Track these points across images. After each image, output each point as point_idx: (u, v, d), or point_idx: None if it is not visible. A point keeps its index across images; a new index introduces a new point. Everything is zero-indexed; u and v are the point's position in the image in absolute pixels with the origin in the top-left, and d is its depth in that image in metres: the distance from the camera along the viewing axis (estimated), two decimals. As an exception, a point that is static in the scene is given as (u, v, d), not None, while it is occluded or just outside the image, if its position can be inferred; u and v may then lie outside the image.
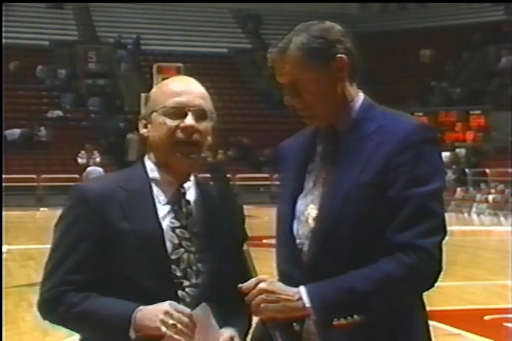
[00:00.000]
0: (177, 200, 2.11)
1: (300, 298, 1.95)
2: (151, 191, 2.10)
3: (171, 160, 2.09)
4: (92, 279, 2.03)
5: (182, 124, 2.06)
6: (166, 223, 2.08)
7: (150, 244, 2.04)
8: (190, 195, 2.14)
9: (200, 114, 2.09)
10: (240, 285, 1.97)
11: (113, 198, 2.06)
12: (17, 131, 27.28)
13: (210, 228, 2.11)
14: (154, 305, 1.96)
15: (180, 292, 2.05)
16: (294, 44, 2.05)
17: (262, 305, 1.94)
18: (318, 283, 1.97)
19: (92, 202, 2.05)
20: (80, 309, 2.00)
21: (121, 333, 1.96)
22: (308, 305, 1.94)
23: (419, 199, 1.98)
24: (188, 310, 1.96)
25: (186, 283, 2.06)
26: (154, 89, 2.16)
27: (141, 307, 1.96)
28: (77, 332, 2.13)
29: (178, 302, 2.01)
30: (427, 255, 1.96)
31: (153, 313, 1.94)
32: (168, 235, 2.06)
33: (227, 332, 2.04)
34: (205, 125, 2.09)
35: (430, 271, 1.99)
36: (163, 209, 2.09)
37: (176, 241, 2.07)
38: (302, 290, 1.96)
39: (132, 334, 1.95)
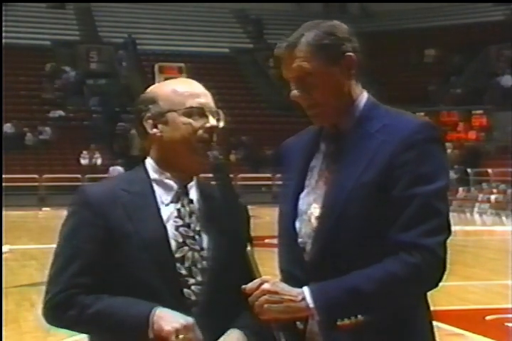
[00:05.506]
0: (180, 199, 2.12)
1: (304, 299, 1.94)
2: (153, 192, 2.11)
3: (187, 159, 2.10)
4: (98, 281, 2.03)
5: (207, 124, 2.10)
6: (169, 222, 2.09)
7: (154, 243, 2.04)
8: (193, 194, 2.15)
9: (216, 115, 2.14)
10: (243, 286, 1.97)
11: (116, 201, 2.07)
12: (8, 126, 27.28)
13: (213, 226, 2.11)
14: (176, 312, 1.97)
15: (185, 290, 2.06)
16: (306, 39, 2.05)
17: (266, 305, 1.94)
18: (321, 283, 1.97)
19: (96, 206, 2.06)
20: (94, 310, 2.00)
21: (139, 334, 1.96)
22: (311, 305, 1.93)
23: (424, 198, 1.97)
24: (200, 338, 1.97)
25: (191, 281, 2.06)
26: (161, 90, 2.15)
27: (159, 307, 1.97)
28: (90, 334, 2.12)
29: (184, 300, 2.03)
30: (431, 254, 1.96)
31: (174, 318, 1.96)
32: (172, 234, 2.07)
33: (233, 334, 2.05)
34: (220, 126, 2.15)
35: (434, 270, 1.98)
36: (166, 209, 2.10)
37: (180, 239, 2.08)
38: (306, 290, 1.95)
39: (151, 334, 1.96)
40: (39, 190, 25.45)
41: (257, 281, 1.97)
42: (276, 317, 1.96)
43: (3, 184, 21.85)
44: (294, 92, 2.08)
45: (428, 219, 1.97)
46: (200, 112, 2.11)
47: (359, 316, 1.95)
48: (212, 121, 2.11)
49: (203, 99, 2.12)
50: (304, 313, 1.95)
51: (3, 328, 6.39)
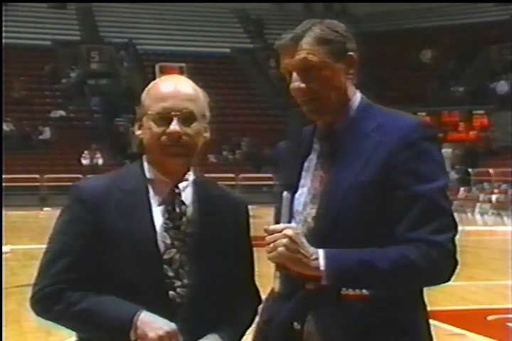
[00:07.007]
0: (171, 201, 2.11)
1: (316, 259, 1.94)
2: (147, 191, 2.10)
3: (161, 161, 2.10)
4: (86, 278, 2.04)
5: (167, 130, 2.06)
6: (160, 223, 2.08)
7: (142, 244, 2.04)
8: (187, 195, 2.13)
9: (188, 117, 2.07)
10: (265, 226, 1.95)
11: (109, 198, 2.07)
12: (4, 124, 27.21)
13: (205, 228, 2.10)
14: (160, 318, 1.97)
15: (171, 292, 2.05)
16: (313, 32, 2.06)
17: (280, 248, 1.91)
18: (338, 250, 1.97)
19: (89, 202, 2.06)
20: (79, 308, 2.00)
21: (121, 335, 1.97)
22: (322, 268, 1.94)
23: (429, 197, 1.98)
24: None
25: (178, 283, 2.06)
26: (144, 92, 2.15)
27: (143, 311, 1.98)
28: (73, 330, 2.13)
29: (169, 302, 2.03)
30: (444, 249, 1.97)
31: (158, 324, 1.96)
32: (160, 235, 2.06)
33: (209, 340, 2.05)
34: (195, 126, 2.09)
35: (448, 265, 2.00)
36: (157, 210, 2.09)
37: (169, 241, 2.07)
38: (321, 252, 1.95)
39: (133, 337, 1.97)
40: (40, 190, 25.47)
41: (282, 225, 1.96)
42: (284, 264, 1.94)
43: (4, 184, 21.87)
44: (296, 84, 2.08)
45: (436, 218, 1.98)
46: (165, 117, 2.06)
47: (364, 290, 1.96)
48: (173, 127, 2.05)
49: (168, 102, 2.07)
50: (312, 272, 1.94)
51: (5, 328, 6.40)
